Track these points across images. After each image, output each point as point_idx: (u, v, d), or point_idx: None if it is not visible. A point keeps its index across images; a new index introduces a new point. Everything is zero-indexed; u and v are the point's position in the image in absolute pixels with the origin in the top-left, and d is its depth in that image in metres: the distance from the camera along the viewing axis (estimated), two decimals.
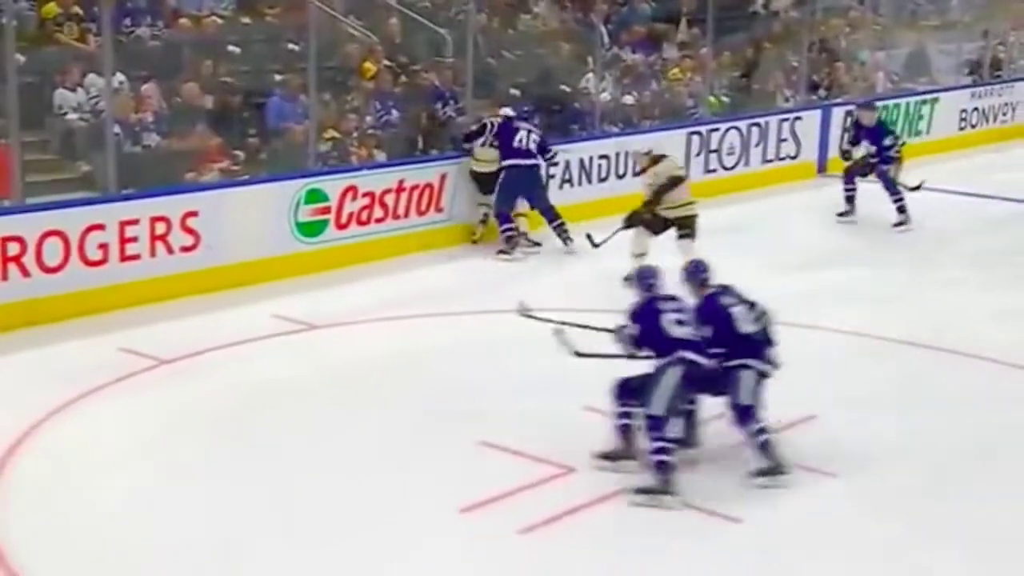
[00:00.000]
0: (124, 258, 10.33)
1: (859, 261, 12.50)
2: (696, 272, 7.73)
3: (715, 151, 15.41)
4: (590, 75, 15.47)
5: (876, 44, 19.52)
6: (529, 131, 12.55)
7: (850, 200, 13.99)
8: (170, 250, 10.65)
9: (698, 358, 7.16)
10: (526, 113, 13.28)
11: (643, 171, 11.48)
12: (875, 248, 12.42)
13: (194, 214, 10.76)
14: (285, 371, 9.03)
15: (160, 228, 10.57)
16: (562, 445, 7.66)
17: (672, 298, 7.50)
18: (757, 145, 15.84)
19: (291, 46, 12.72)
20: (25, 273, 9.80)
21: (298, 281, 10.91)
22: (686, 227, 11.31)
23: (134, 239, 10.39)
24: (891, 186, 13.67)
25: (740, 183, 15.40)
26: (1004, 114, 19.59)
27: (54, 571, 6.25)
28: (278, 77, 12.65)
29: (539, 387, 8.51)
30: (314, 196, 11.55)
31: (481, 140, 12.42)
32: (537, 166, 12.55)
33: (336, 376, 8.90)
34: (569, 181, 13.58)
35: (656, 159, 11.40)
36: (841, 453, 7.67)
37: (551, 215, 12.57)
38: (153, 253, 10.55)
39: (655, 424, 7.01)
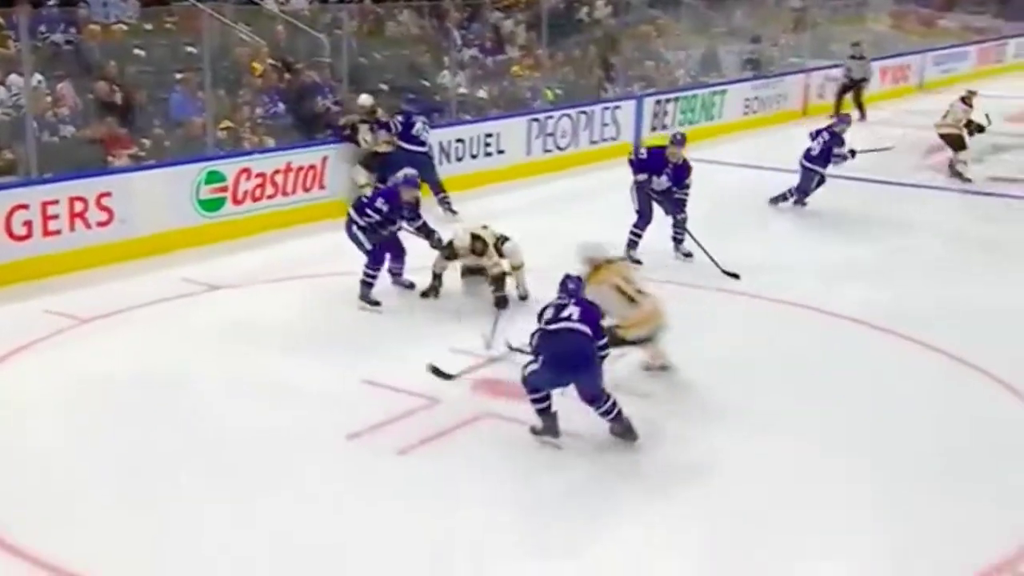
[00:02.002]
0: (47, 233, 10.14)
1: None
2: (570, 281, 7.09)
3: (551, 134, 15.54)
4: (446, 72, 15.51)
5: (677, 46, 19.92)
6: (424, 123, 12.67)
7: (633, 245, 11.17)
8: (88, 225, 10.47)
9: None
10: (410, 106, 13.15)
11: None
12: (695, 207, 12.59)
13: (108, 194, 10.59)
14: (191, 326, 8.98)
15: (78, 206, 10.39)
16: (430, 381, 7.71)
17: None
18: (585, 129, 16.03)
19: (189, 49, 12.52)
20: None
21: (201, 250, 10.80)
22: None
23: (55, 216, 10.20)
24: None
25: (572, 161, 15.60)
26: (776, 102, 20.11)
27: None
28: (178, 76, 12.44)
29: (409, 335, 8.60)
30: (213, 177, 11.43)
31: (387, 135, 12.56)
32: (429, 152, 12.72)
33: (236, 329, 8.85)
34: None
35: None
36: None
37: (438, 189, 12.67)
38: (72, 228, 10.37)
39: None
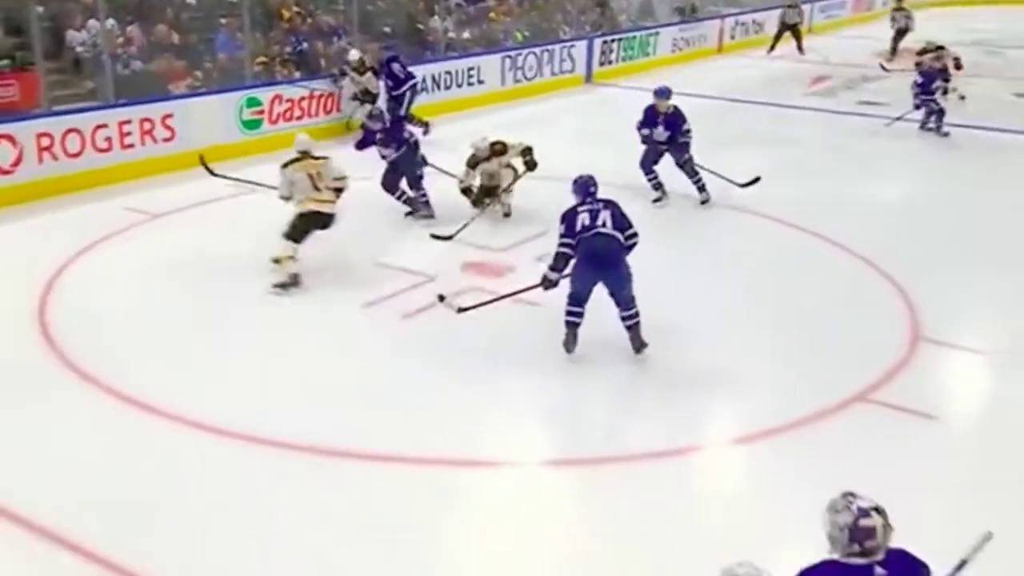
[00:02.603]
0: (123, 147, 10.06)
1: (614, 132, 12.43)
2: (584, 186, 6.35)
3: (520, 68, 15.30)
4: (436, 18, 15.23)
5: None
6: (401, 64, 12.06)
7: (657, 187, 9.88)
8: (155, 140, 10.39)
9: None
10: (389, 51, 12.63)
11: (487, 159, 9.00)
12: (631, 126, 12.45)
13: (170, 115, 10.49)
14: (237, 220, 8.95)
15: (147, 126, 10.31)
16: (425, 261, 7.78)
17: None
18: (547, 64, 15.83)
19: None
20: (54, 158, 9.47)
21: (243, 160, 10.52)
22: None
23: (129, 133, 10.11)
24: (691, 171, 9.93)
25: (537, 89, 15.41)
26: (698, 42, 19.70)
27: (87, 346, 6.33)
28: (223, 20, 12.27)
29: (411, 230, 8.60)
30: (252, 102, 11.30)
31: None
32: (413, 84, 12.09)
33: (272, 223, 8.73)
34: (426, 90, 13.38)
35: (500, 150, 9.04)
36: None
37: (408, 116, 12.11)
38: (143, 143, 10.29)
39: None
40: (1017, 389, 6.07)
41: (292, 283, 7.27)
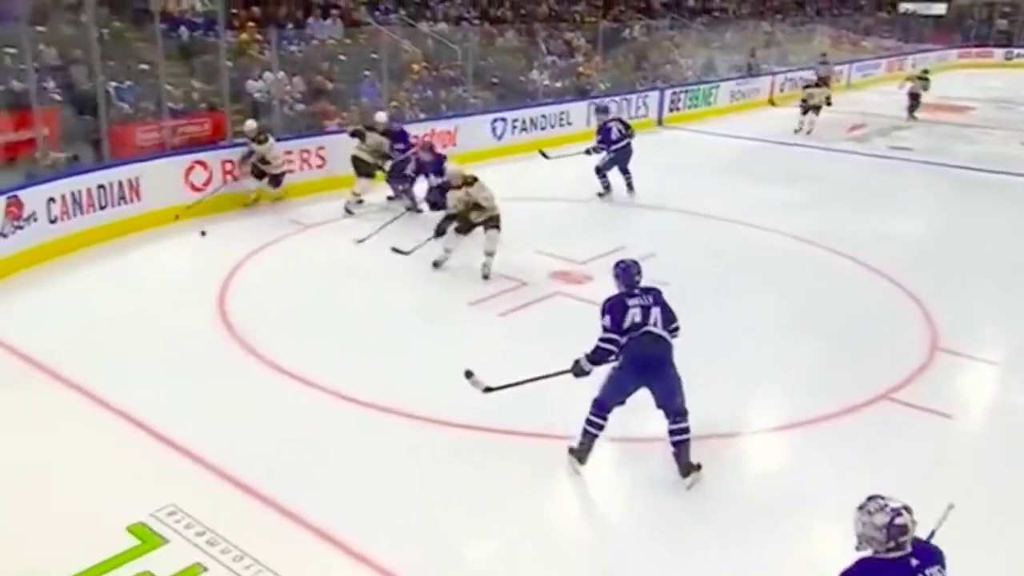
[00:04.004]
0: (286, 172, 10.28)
1: (680, 167, 12.45)
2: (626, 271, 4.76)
3: None
4: (535, 71, 15.25)
5: (687, 55, 19.24)
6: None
7: (607, 187, 10.69)
8: (310, 167, 10.60)
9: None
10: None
11: (458, 188, 7.64)
12: (695, 162, 12.31)
13: (322, 148, 10.67)
14: (368, 230, 8.83)
15: (305, 155, 10.52)
16: (519, 269, 7.79)
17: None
18: (625, 110, 15.64)
19: (372, 55, 12.46)
20: (235, 179, 9.74)
21: (379, 182, 10.32)
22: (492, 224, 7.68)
23: (291, 161, 10.31)
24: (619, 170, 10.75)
25: None
26: (754, 94, 19.34)
27: (261, 331, 6.46)
28: (366, 72, 12.40)
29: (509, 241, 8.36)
30: None
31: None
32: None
33: (395, 237, 8.91)
34: (525, 129, 13.44)
35: (471, 181, 7.61)
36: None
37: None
38: (301, 169, 10.50)
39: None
40: None
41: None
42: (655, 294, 4.68)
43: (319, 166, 10.63)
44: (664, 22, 19.59)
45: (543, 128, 13.89)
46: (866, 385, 5.75)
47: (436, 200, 8.74)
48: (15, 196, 7.50)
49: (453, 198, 7.73)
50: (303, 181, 10.38)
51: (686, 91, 17.49)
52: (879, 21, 28.94)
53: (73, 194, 8.11)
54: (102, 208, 8.43)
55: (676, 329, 4.67)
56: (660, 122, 16.59)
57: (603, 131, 10.68)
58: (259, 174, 9.68)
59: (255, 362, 5.97)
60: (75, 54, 9.41)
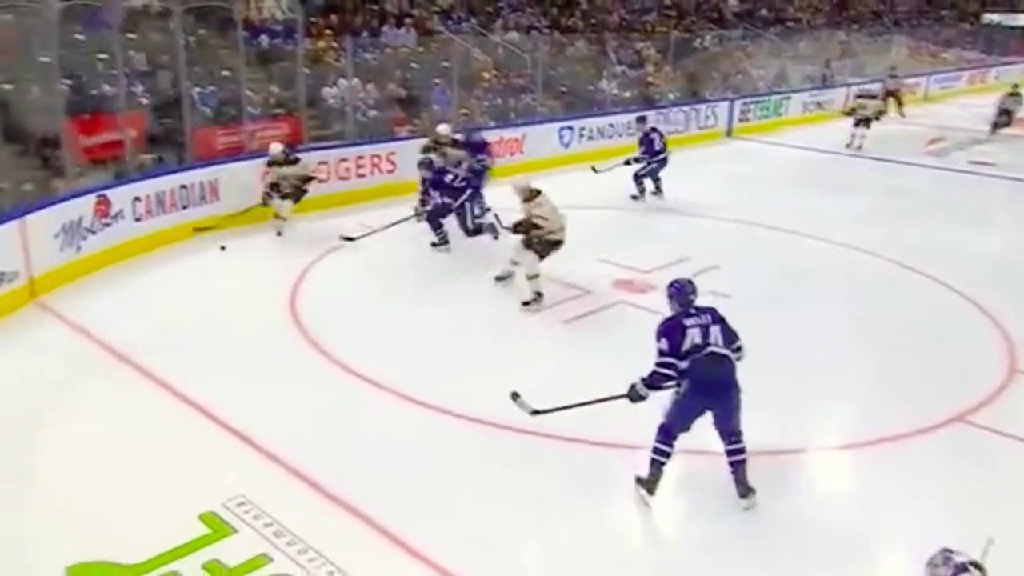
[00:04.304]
0: (358, 176, 10.48)
1: (747, 178, 12.31)
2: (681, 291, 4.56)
3: (671, 123, 14.99)
4: (604, 80, 15.21)
5: (759, 65, 18.89)
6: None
7: (642, 192, 10.87)
8: (381, 172, 10.75)
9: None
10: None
11: (526, 201, 7.23)
12: (762, 173, 12.04)
13: (393, 153, 10.81)
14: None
15: (376, 160, 10.67)
16: (582, 278, 7.74)
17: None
18: (694, 119, 15.57)
19: (444, 64, 12.61)
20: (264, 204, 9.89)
21: None
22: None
23: (363, 166, 10.52)
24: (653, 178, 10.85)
25: (686, 141, 15.06)
26: (828, 105, 18.86)
27: (330, 332, 6.56)
28: (436, 80, 12.51)
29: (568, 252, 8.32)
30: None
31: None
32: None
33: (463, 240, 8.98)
34: (592, 137, 13.43)
35: (531, 196, 7.20)
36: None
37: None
38: (372, 173, 10.65)
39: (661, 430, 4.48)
40: None
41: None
42: (712, 312, 4.46)
43: (389, 171, 10.78)
44: (736, 32, 19.32)
45: (610, 137, 13.83)
46: (939, 406, 5.55)
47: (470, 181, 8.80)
48: (104, 195, 7.84)
49: (522, 211, 7.38)
50: (374, 186, 10.54)
51: (757, 102, 17.21)
52: (961, 32, 27.98)
53: (157, 194, 8.44)
54: (183, 208, 8.73)
55: (740, 349, 4.45)
56: (729, 133, 16.36)
57: (646, 141, 10.72)
58: (288, 195, 9.10)
59: (324, 362, 6.09)
60: (162, 60, 9.78)
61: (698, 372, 4.33)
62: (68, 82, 8.66)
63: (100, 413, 5.34)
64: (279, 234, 9.06)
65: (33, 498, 4.46)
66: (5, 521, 3.97)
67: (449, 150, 9.69)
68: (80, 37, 9.09)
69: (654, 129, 11.07)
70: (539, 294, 7.15)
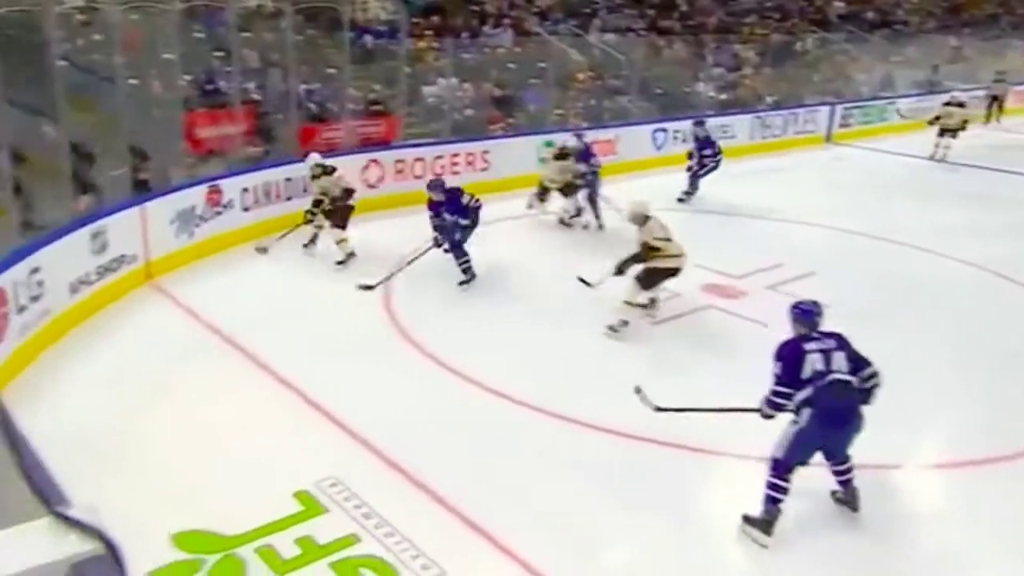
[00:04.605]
0: (452, 172, 10.55)
1: (845, 184, 11.88)
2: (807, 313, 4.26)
3: (768, 127, 14.76)
4: (700, 83, 14.95)
5: (862, 70, 18.19)
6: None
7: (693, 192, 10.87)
8: (475, 169, 10.86)
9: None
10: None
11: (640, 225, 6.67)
12: (861, 180, 11.60)
13: (487, 151, 10.95)
14: (531, 228, 9.32)
15: (469, 158, 10.81)
16: (673, 283, 7.23)
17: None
18: (792, 124, 15.17)
19: (540, 64, 12.64)
20: (405, 178, 10.14)
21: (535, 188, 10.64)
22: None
23: (457, 163, 10.66)
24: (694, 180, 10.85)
25: (784, 144, 14.76)
26: (931, 112, 17.98)
27: (422, 322, 6.67)
28: (532, 80, 12.60)
29: None
30: (548, 143, 11.28)
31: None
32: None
33: (555, 233, 8.96)
34: (686, 140, 13.13)
35: (645, 218, 6.67)
36: None
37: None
38: (466, 170, 10.75)
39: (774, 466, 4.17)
40: None
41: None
42: (837, 337, 4.13)
43: (483, 169, 10.91)
44: (839, 35, 18.66)
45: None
46: None
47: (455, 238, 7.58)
48: (216, 185, 8.22)
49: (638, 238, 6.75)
50: (469, 183, 10.46)
51: (859, 107, 16.60)
52: None
53: (264, 185, 8.78)
54: (288, 199, 9.05)
55: (874, 376, 4.07)
56: (828, 138, 15.85)
57: (708, 143, 10.81)
58: (330, 212, 8.16)
59: (416, 353, 6.22)
60: (273, 58, 10.17)
61: (820, 401, 4.00)
62: (188, 78, 9.10)
63: (205, 391, 5.60)
64: (262, 250, 8.09)
65: (143, 470, 4.71)
66: (116, 490, 4.20)
67: (560, 163, 9.61)
68: (200, 35, 9.53)
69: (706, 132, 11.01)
70: (626, 322, 6.63)
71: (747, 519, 4.20)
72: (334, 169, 8.28)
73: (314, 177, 8.20)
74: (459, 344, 6.30)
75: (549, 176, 9.78)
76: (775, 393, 4.12)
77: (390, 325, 6.71)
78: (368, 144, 10.39)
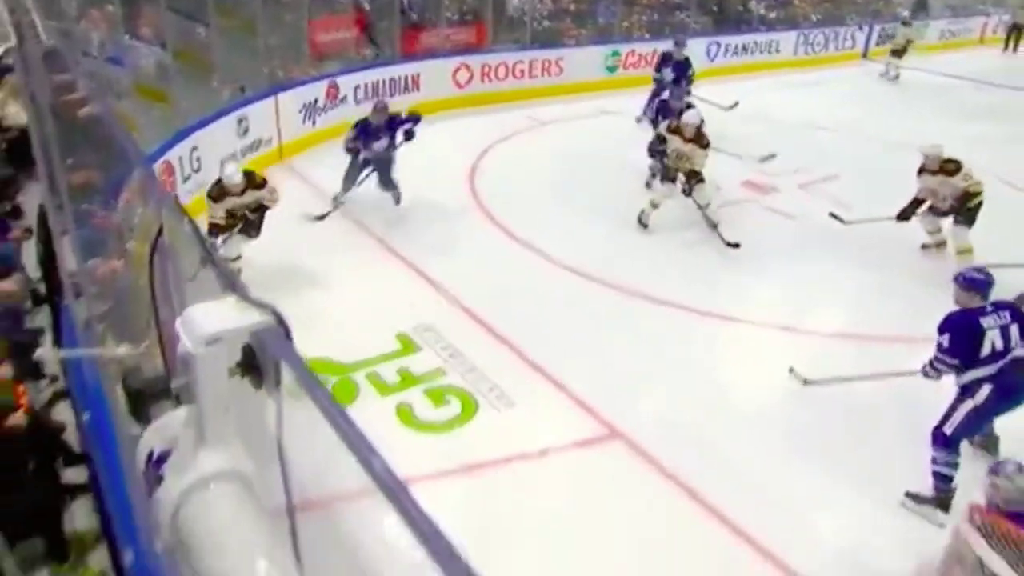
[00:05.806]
0: (530, 76, 10.06)
1: (874, 96, 10.99)
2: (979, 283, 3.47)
3: (810, 44, 13.51)
4: (753, 1, 13.71)
5: None
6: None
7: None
8: (550, 75, 10.23)
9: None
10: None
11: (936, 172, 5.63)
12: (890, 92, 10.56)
13: (561, 58, 10.34)
14: (595, 128, 8.89)
15: (546, 64, 10.19)
16: (715, 175, 6.96)
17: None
18: (832, 42, 13.93)
19: None
20: (490, 80, 9.83)
21: (608, 93, 10.25)
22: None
23: (535, 69, 10.14)
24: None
25: (823, 61, 13.58)
26: (965, 34, 16.26)
27: (497, 202, 6.62)
28: None
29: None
30: (615, 53, 10.92)
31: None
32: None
33: (625, 127, 8.56)
34: (736, 53, 12.35)
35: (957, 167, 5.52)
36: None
37: None
38: (542, 75, 10.17)
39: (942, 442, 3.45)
40: None
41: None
42: (1012, 310, 3.40)
43: (556, 74, 10.43)
44: None
45: (752, 53, 12.67)
46: None
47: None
48: (334, 81, 8.13)
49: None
50: (543, 86, 10.22)
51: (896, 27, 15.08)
52: None
53: (372, 83, 8.63)
54: (391, 96, 8.88)
55: None
56: (865, 55, 14.56)
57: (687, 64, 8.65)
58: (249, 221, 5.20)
59: (495, 230, 6.21)
60: None
61: (1003, 379, 3.33)
62: None
63: (331, 252, 5.73)
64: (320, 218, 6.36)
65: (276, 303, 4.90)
66: None
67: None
68: None
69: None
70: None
71: (915, 497, 3.47)
72: (264, 181, 5.21)
73: (230, 195, 4.99)
74: (536, 224, 6.20)
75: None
76: (941, 363, 3.44)
77: (475, 206, 6.70)
78: (459, 49, 10.00)
